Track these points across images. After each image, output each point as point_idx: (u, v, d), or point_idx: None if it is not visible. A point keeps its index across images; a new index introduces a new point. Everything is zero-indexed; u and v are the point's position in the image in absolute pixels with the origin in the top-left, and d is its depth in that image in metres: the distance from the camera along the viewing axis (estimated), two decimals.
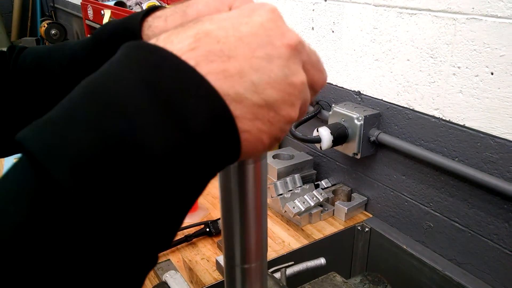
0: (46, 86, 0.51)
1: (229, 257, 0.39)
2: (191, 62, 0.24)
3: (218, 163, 0.25)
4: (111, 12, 1.62)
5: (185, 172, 0.23)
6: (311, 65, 0.29)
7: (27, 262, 0.19)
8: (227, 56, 0.24)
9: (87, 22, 2.01)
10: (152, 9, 0.48)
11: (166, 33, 0.26)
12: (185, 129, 0.22)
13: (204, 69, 0.24)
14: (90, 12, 1.91)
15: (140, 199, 0.21)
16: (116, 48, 0.26)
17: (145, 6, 1.40)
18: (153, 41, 0.25)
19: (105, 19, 1.68)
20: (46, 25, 3.22)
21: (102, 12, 1.69)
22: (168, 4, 1.72)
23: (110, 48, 0.48)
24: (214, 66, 0.24)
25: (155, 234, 0.23)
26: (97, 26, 1.87)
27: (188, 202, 0.25)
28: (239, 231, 0.37)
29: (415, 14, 0.96)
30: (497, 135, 0.86)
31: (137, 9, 1.49)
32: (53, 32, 3.23)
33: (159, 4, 1.43)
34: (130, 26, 0.47)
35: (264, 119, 0.26)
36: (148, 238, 0.22)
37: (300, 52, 0.28)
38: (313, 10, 1.25)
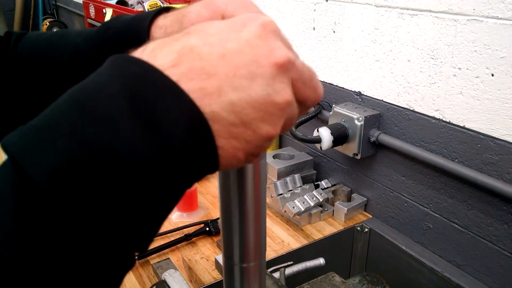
0: (46, 77, 0.51)
1: (228, 256, 0.39)
2: (173, 78, 0.24)
3: (195, 175, 0.26)
4: (113, 10, 1.62)
5: (161, 181, 0.23)
6: (302, 82, 0.29)
7: (6, 259, 0.20)
8: (207, 74, 0.24)
9: (89, 20, 2.01)
10: (162, 11, 0.48)
11: (153, 44, 0.26)
12: (162, 140, 0.23)
13: (185, 86, 0.24)
14: (92, 11, 1.91)
15: (116, 204, 0.22)
16: (123, 49, 0.26)
17: (146, 5, 1.40)
18: (138, 53, 0.25)
19: (107, 18, 1.68)
20: (48, 23, 3.23)
21: (104, 10, 1.69)
22: (170, 3, 1.72)
23: (115, 47, 0.48)
24: (193, 84, 0.24)
25: (131, 238, 0.23)
26: (99, 24, 1.88)
27: (165, 209, 0.25)
28: (238, 230, 0.37)
29: (416, 15, 0.96)
30: (497, 137, 0.86)
31: (138, 8, 1.48)
32: (55, 30, 3.24)
33: (160, 3, 1.43)
34: (138, 29, 0.47)
35: (241, 137, 0.25)
36: (124, 241, 0.23)
37: (288, 70, 0.27)
38: (315, 10, 1.25)
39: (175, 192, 0.25)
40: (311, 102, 0.30)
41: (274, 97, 0.26)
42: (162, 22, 0.47)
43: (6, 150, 0.22)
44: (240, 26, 0.26)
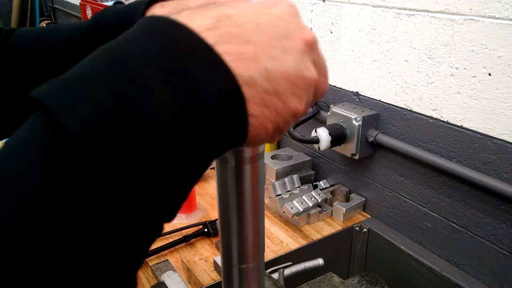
0: (38, 70, 0.50)
1: (226, 257, 0.39)
2: (210, 40, 0.24)
3: (226, 142, 0.26)
4: None
5: (193, 143, 0.23)
6: (319, 68, 0.30)
7: (35, 213, 0.19)
8: (245, 40, 0.25)
9: None
10: (157, 0, 0.48)
11: (187, 11, 0.26)
12: (196, 101, 0.23)
13: (221, 48, 0.24)
14: (89, 12, 1.91)
15: (146, 163, 0.22)
16: (114, 36, 0.26)
17: None
18: (174, 17, 0.25)
19: None
20: (45, 25, 3.22)
21: None
22: None
23: (108, 36, 0.48)
24: (232, 47, 0.24)
25: (160, 201, 0.23)
26: None
27: (194, 176, 0.25)
28: (236, 231, 0.37)
29: (413, 15, 0.97)
30: (494, 136, 0.86)
31: None
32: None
33: None
34: (131, 17, 0.47)
35: (272, 107, 0.26)
36: (153, 203, 0.23)
37: (313, 50, 0.28)
38: (312, 11, 1.25)
39: (204, 158, 0.25)
40: (320, 91, 0.31)
41: (304, 72, 0.27)
42: (159, 10, 0.47)
43: (36, 101, 0.21)
44: (271, 4, 0.28)
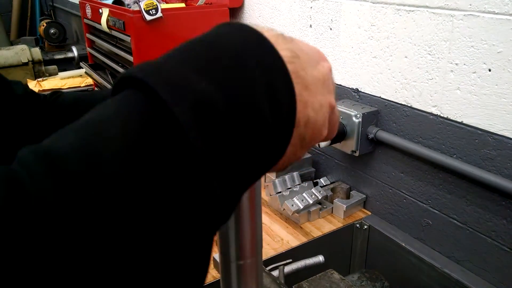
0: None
1: (224, 253, 0.39)
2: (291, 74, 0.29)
3: (273, 151, 0.29)
4: (109, 11, 1.62)
5: (268, 140, 0.27)
6: (331, 126, 0.34)
7: (126, 181, 0.20)
8: (305, 85, 0.30)
9: (86, 21, 2.01)
10: None
11: (274, 33, 0.30)
12: (277, 111, 0.27)
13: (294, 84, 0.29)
14: (88, 11, 1.90)
15: (240, 151, 0.24)
16: None
17: (142, 4, 1.40)
18: (269, 34, 0.29)
19: (103, 18, 1.68)
20: (45, 24, 3.22)
21: (100, 10, 1.68)
22: (166, 2, 1.72)
23: None
24: (297, 87, 0.29)
25: (237, 184, 0.25)
26: (96, 25, 1.87)
27: (258, 171, 0.28)
28: (233, 227, 0.37)
29: (412, 11, 0.96)
30: (495, 132, 0.85)
31: (135, 7, 1.47)
32: (52, 31, 3.22)
33: (157, 3, 1.42)
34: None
35: (295, 149, 0.30)
36: (231, 183, 0.25)
37: (333, 113, 0.34)
38: (311, 7, 1.24)
39: (270, 154, 0.28)
40: (320, 142, 0.37)
41: (322, 130, 0.32)
42: None
43: (134, 79, 0.23)
44: (320, 58, 0.33)
